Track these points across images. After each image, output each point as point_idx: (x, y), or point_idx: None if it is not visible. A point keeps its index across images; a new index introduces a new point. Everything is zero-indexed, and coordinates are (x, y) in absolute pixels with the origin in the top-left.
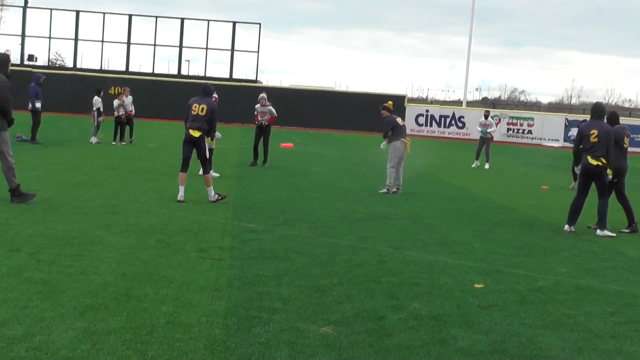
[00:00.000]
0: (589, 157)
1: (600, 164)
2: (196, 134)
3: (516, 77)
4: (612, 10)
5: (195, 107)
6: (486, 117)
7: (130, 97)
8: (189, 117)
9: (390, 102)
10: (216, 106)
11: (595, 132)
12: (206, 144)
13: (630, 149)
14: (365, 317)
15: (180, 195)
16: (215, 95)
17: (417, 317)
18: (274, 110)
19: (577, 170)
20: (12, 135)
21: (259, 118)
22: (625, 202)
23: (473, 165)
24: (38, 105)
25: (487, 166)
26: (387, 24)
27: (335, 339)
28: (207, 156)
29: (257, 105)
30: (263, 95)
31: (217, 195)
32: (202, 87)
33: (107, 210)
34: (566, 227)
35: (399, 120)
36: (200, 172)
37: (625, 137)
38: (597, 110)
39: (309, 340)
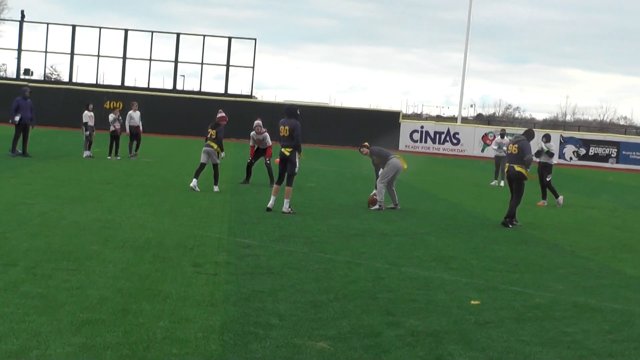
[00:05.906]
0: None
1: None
2: (286, 152)
3: (516, 94)
4: (614, 28)
5: (281, 129)
6: (502, 136)
7: (138, 112)
8: (280, 138)
9: (366, 143)
10: (297, 124)
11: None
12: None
13: (627, 167)
14: (361, 333)
15: (270, 203)
16: (223, 114)
17: (413, 333)
18: (268, 139)
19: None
20: (7, 149)
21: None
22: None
23: (492, 183)
24: (16, 118)
25: (502, 184)
26: (388, 40)
27: (332, 355)
28: (295, 172)
29: (252, 133)
30: (258, 122)
31: (290, 209)
32: (285, 109)
33: (104, 225)
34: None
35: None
36: (216, 188)
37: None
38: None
39: (306, 356)
